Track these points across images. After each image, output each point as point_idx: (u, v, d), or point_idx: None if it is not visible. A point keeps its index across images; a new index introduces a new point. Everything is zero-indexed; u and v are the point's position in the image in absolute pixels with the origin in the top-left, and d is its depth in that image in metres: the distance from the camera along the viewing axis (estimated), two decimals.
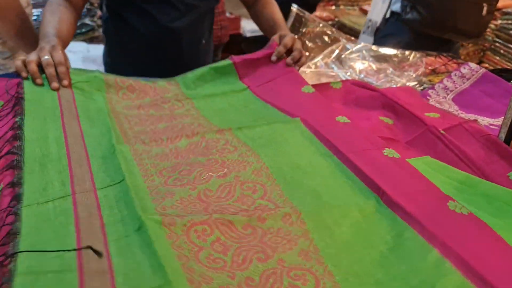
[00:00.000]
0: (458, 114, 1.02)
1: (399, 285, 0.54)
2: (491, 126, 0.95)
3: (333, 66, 1.46)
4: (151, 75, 1.08)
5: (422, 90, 1.19)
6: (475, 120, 0.92)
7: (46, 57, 0.91)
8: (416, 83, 1.30)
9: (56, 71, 0.92)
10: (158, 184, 0.66)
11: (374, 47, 1.60)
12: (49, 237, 0.53)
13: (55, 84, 0.91)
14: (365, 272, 0.56)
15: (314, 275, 0.54)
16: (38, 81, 0.91)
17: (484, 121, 0.99)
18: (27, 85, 0.90)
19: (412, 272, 0.55)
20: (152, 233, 0.53)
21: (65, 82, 0.92)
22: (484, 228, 0.60)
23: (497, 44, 2.54)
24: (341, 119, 0.87)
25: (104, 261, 0.50)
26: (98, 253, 0.49)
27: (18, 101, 0.86)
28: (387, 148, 0.76)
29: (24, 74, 0.92)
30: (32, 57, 0.92)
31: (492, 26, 2.50)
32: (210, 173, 0.68)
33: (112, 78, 0.99)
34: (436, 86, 1.17)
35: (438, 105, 1.06)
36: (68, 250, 0.49)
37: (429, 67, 1.53)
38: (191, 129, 0.85)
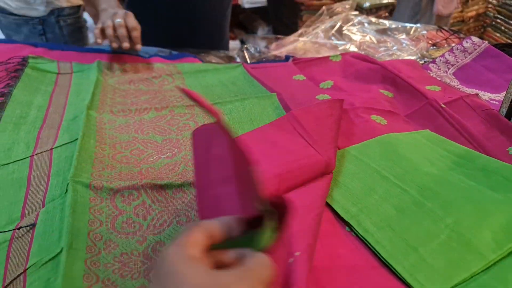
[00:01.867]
0: (459, 89, 1.00)
1: None
2: (492, 101, 0.94)
3: (332, 38, 1.43)
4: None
5: (423, 64, 1.17)
6: (476, 94, 0.90)
7: (118, 20, 1.00)
8: (416, 56, 1.28)
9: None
10: (106, 155, 0.67)
11: (375, 20, 1.57)
12: (3, 205, 0.57)
13: (126, 44, 1.00)
14: None
15: None
16: (114, 44, 1.01)
17: (485, 96, 0.98)
18: (32, 61, 0.98)
19: None
20: (72, 197, 0.55)
21: (139, 47, 1.03)
22: None
23: (498, 21, 2.50)
24: (321, 96, 0.86)
25: (30, 233, 0.52)
26: (31, 225, 0.53)
27: (18, 69, 0.94)
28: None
29: (99, 40, 1.01)
30: (108, 22, 1.00)
31: (494, 2, 2.45)
32: (159, 155, 0.69)
33: (109, 63, 1.04)
34: (437, 60, 1.15)
35: (439, 79, 1.04)
36: (6, 231, 0.53)
37: (430, 41, 1.50)
38: (165, 102, 0.87)
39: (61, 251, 0.47)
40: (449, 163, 0.70)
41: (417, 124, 0.83)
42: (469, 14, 3.22)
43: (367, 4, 2.86)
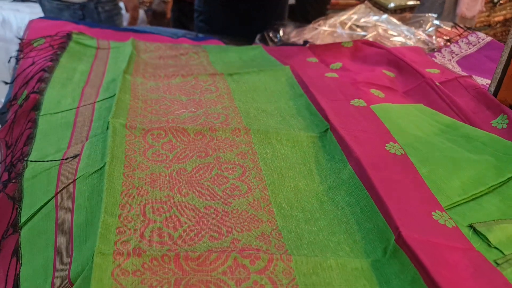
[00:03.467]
0: (458, 72, 1.09)
1: (312, 194, 0.63)
2: (487, 85, 1.02)
3: (350, 29, 1.53)
4: None
5: (429, 52, 1.26)
6: (470, 76, 0.99)
7: None
8: (427, 47, 1.36)
9: None
10: (139, 107, 0.80)
11: (395, 20, 1.66)
12: (52, 141, 0.72)
13: None
14: (290, 177, 0.66)
15: (243, 168, 0.66)
16: None
17: (483, 81, 1.06)
18: (75, 37, 1.12)
19: (331, 189, 0.64)
20: (112, 130, 0.68)
21: None
22: (408, 166, 0.67)
23: None
24: (330, 74, 0.97)
25: (77, 159, 0.66)
26: (75, 156, 0.66)
27: (64, 42, 1.09)
28: (356, 99, 0.86)
29: None
30: None
31: None
32: (184, 110, 0.81)
33: (142, 42, 1.16)
34: (442, 50, 1.24)
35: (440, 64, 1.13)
36: (55, 160, 0.66)
37: (444, 37, 1.58)
38: (191, 71, 0.99)
39: (104, 165, 0.60)
40: (435, 130, 0.80)
41: (412, 99, 0.92)
42: (496, 18, 3.24)
43: (391, 5, 2.93)
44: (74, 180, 0.60)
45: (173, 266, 0.47)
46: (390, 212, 0.55)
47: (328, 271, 0.49)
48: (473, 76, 1.04)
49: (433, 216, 0.57)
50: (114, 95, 0.82)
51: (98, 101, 0.83)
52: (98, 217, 0.51)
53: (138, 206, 0.55)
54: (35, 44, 1.08)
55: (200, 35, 1.31)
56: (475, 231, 0.58)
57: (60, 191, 0.59)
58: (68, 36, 1.13)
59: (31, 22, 1.25)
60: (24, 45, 1.09)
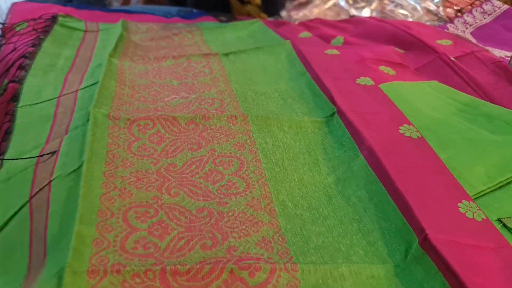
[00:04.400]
0: (471, 42, 1.01)
1: (319, 188, 0.56)
2: (506, 58, 0.94)
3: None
4: None
5: (440, 24, 1.17)
6: (487, 49, 0.91)
7: None
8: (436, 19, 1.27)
9: None
10: (125, 94, 0.73)
11: None
12: (30, 136, 0.64)
13: None
14: (293, 169, 0.59)
15: (240, 161, 0.59)
16: None
17: (501, 53, 0.98)
18: (61, 20, 1.04)
19: (340, 181, 0.58)
20: (93, 122, 0.61)
21: None
22: (427, 151, 0.60)
23: None
24: (330, 51, 0.89)
25: (54, 157, 0.58)
26: (52, 153, 0.59)
27: (49, 25, 1.01)
28: (362, 77, 0.78)
29: None
30: None
31: None
32: (175, 95, 0.73)
33: (133, 23, 1.09)
34: (455, 21, 1.15)
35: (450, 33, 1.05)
36: (31, 158, 0.59)
37: (454, 7, 1.49)
38: (183, 51, 0.91)
39: (82, 164, 0.53)
40: (452, 109, 0.73)
41: (425, 77, 0.84)
42: None
43: None
44: (50, 181, 0.53)
45: (158, 283, 0.40)
46: (412, 209, 0.48)
47: (340, 281, 0.43)
48: (490, 48, 0.95)
49: (460, 209, 0.50)
50: (97, 82, 0.74)
51: (81, 89, 0.75)
52: (73, 227, 0.45)
53: (120, 211, 0.48)
54: (17, 29, 1.01)
55: (195, 10, 1.23)
56: (505, 226, 0.51)
57: (34, 195, 0.53)
58: (54, 18, 1.05)
59: (14, 4, 1.17)
60: (6, 30, 1.01)
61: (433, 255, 0.43)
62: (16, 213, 0.52)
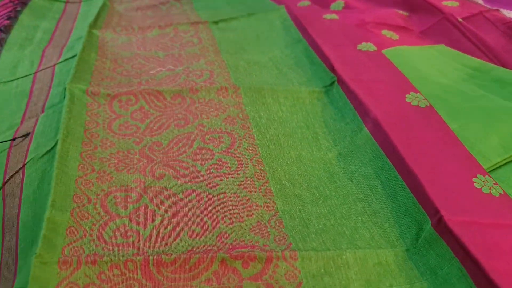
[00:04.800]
0: (480, 3, 0.94)
1: (319, 165, 0.52)
2: None
3: None
4: None
5: None
6: (497, 9, 0.85)
7: None
8: None
9: None
10: (106, 68, 0.67)
11: None
12: (5, 115, 0.59)
13: None
14: (290, 145, 0.54)
15: (232, 137, 0.54)
16: None
17: (510, 14, 0.92)
18: None
19: (342, 156, 0.53)
20: (69, 99, 0.56)
21: None
22: (437, 121, 0.55)
23: None
24: (329, 16, 0.82)
25: (28, 138, 0.54)
26: (26, 135, 0.54)
27: None
28: (364, 42, 0.72)
29: None
30: None
31: None
32: (160, 68, 0.68)
33: None
34: None
35: None
36: (5, 142, 0.54)
37: None
38: (170, 20, 0.85)
39: (56, 144, 0.48)
40: (462, 75, 0.67)
41: (431, 40, 0.79)
42: None
43: None
44: (24, 165, 0.48)
45: (140, 276, 0.36)
46: (423, 187, 0.43)
47: (344, 269, 0.38)
48: (500, 9, 0.89)
49: (475, 184, 0.45)
50: (76, 55, 0.69)
51: (59, 63, 0.70)
52: (44, 213, 0.40)
53: (98, 196, 0.43)
54: None
55: None
56: None
57: (8, 180, 0.48)
58: None
59: None
60: None
61: (448, 239, 0.38)
62: None
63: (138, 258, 0.37)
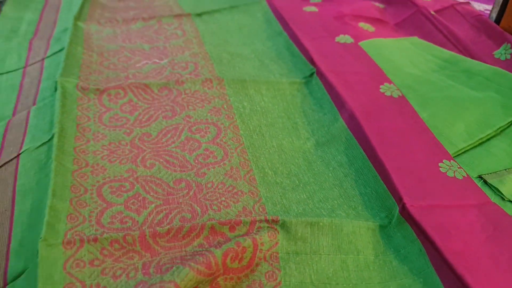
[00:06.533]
0: None
1: (299, 154, 0.55)
2: (486, 11, 0.92)
3: None
4: None
5: None
6: (468, 2, 0.89)
7: None
8: None
9: None
10: (93, 61, 0.69)
11: None
12: None
13: None
14: (272, 135, 0.57)
15: (217, 127, 0.57)
16: None
17: (480, 7, 0.96)
18: None
19: (319, 145, 0.56)
20: (61, 92, 0.58)
21: None
22: (408, 110, 0.59)
23: None
24: (308, 8, 0.86)
25: (23, 127, 0.56)
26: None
27: None
28: (341, 35, 0.76)
29: None
30: None
31: None
32: (146, 61, 0.70)
33: None
34: None
35: None
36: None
37: None
38: (154, 13, 0.87)
39: (52, 137, 0.50)
40: (432, 66, 0.71)
41: (406, 32, 0.82)
42: None
43: None
44: (18, 155, 0.51)
45: (138, 248, 0.39)
46: (390, 176, 0.47)
47: (317, 235, 0.43)
48: (471, 2, 0.93)
49: (441, 168, 0.50)
50: (63, 49, 0.70)
51: (48, 57, 0.71)
52: (45, 202, 0.43)
53: (94, 187, 0.46)
54: None
55: None
56: (486, 183, 0.51)
57: (1, 166, 0.50)
58: None
59: None
60: None
61: (412, 223, 0.43)
62: None
63: (135, 232, 0.40)
